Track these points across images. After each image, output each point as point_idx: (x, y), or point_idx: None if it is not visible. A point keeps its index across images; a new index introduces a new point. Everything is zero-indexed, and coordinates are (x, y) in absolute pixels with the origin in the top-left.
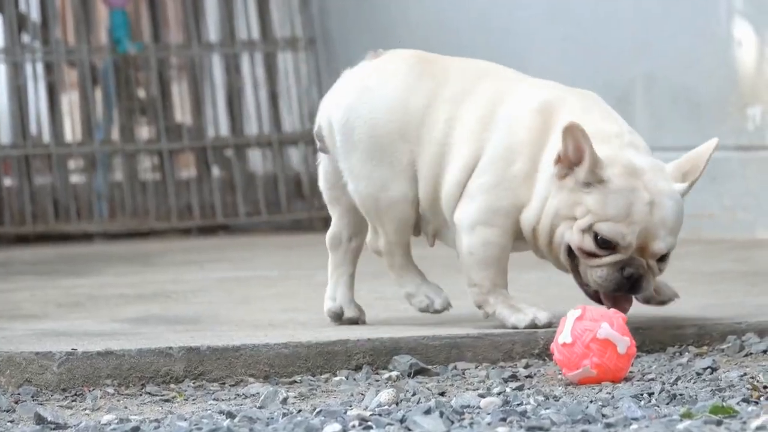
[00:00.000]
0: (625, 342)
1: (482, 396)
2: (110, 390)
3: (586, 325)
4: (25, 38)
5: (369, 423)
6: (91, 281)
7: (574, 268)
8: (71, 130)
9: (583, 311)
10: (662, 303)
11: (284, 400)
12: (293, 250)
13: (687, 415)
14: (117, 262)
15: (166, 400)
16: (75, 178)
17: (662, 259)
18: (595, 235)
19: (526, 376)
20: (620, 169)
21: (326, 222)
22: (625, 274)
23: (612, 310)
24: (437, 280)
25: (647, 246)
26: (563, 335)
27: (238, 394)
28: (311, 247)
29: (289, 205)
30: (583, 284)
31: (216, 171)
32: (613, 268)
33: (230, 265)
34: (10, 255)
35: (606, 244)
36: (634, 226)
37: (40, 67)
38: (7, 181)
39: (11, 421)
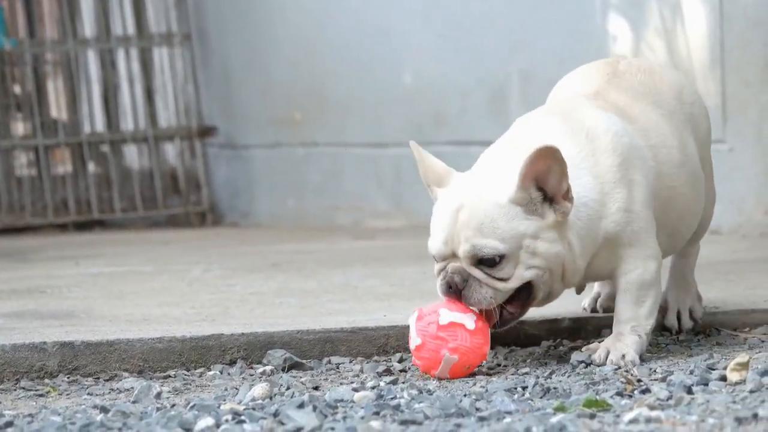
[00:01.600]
0: (470, 317)
1: (356, 390)
2: None
3: (427, 320)
4: None
5: (242, 417)
6: None
7: None
8: None
9: (419, 311)
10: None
11: (158, 395)
12: (168, 246)
13: (560, 409)
14: None
15: (41, 395)
16: None
17: (487, 264)
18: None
19: (400, 371)
20: (451, 186)
21: (202, 217)
22: (446, 279)
23: (445, 298)
24: None
25: (456, 250)
26: (413, 340)
27: (112, 389)
28: (186, 242)
29: (164, 201)
30: None
31: (92, 166)
32: (439, 276)
33: (106, 261)
34: None
35: (434, 257)
36: (439, 233)
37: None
38: None
39: None
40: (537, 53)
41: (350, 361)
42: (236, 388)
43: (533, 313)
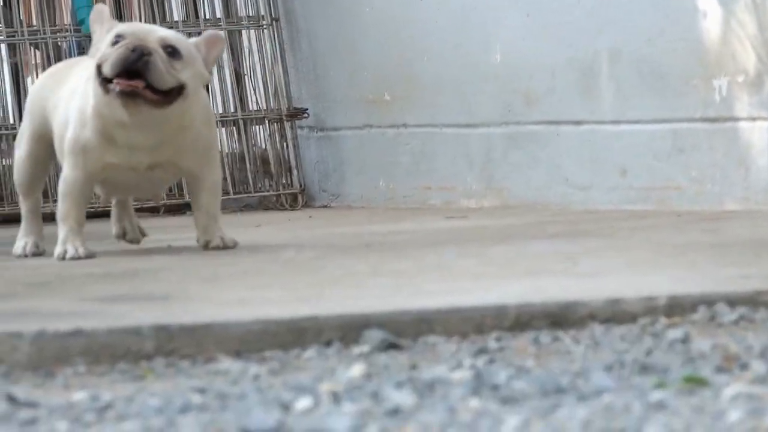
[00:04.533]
0: None
1: (453, 369)
2: (81, 368)
3: None
4: None
5: (341, 397)
6: (58, 261)
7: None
8: None
9: None
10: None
11: (256, 377)
12: (260, 228)
13: (660, 385)
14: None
15: (138, 378)
16: None
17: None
18: (115, 38)
19: (497, 349)
20: None
21: (293, 200)
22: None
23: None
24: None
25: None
26: None
27: (209, 371)
28: (278, 224)
29: (255, 183)
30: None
31: None
32: (124, 48)
33: (196, 243)
34: None
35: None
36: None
37: (3, 49)
38: None
39: None
40: (626, 31)
41: (446, 341)
42: (333, 369)
43: (629, 290)
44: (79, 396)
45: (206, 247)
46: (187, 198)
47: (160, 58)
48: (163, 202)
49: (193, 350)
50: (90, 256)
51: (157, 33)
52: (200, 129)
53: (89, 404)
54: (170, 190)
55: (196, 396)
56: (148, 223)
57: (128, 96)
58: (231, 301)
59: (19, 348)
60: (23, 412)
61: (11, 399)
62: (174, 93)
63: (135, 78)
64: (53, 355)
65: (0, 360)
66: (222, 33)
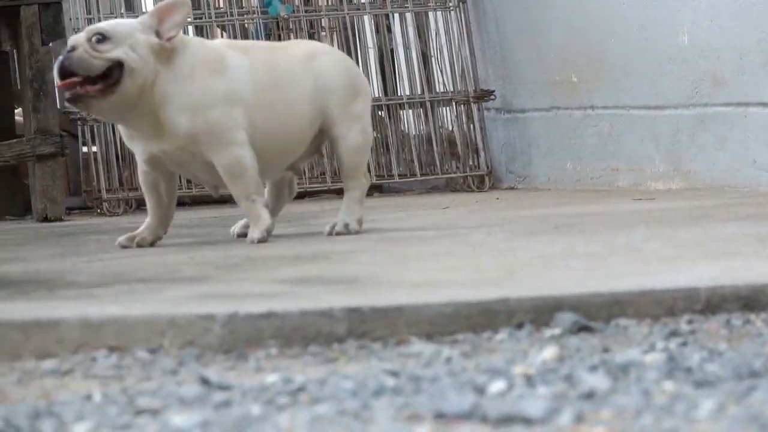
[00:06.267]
0: None
1: (646, 352)
2: (273, 351)
3: None
4: None
5: (534, 380)
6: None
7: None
8: None
9: None
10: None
11: (448, 359)
12: (447, 210)
13: None
14: None
15: (330, 361)
16: None
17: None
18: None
19: (689, 332)
20: None
21: (480, 181)
22: (63, 56)
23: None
24: None
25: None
26: None
27: (401, 354)
28: (465, 206)
29: (442, 165)
30: None
31: None
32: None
33: (386, 225)
34: None
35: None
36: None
37: (191, 31)
38: None
39: (176, 383)
40: None
41: (638, 323)
42: (525, 352)
43: None
44: (271, 378)
45: (238, 236)
46: (373, 180)
47: (83, 48)
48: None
49: (385, 332)
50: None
51: (91, 28)
52: (195, 112)
53: (282, 387)
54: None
55: (389, 379)
56: (334, 205)
57: (75, 99)
58: (421, 283)
59: (211, 330)
60: (217, 394)
61: (204, 381)
62: (114, 73)
63: (70, 77)
64: (245, 337)
65: (192, 342)
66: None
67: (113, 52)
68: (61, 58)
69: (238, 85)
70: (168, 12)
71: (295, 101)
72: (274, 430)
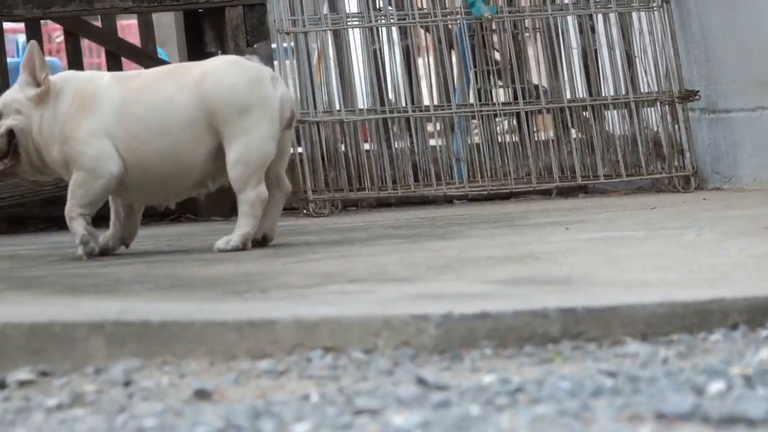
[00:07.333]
0: None
1: None
2: (488, 351)
3: None
4: (379, 3)
5: (753, 381)
6: (457, 244)
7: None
8: (428, 93)
9: None
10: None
11: (665, 360)
12: (655, 211)
13: None
14: (479, 224)
15: (545, 361)
16: (433, 142)
17: None
18: None
19: None
20: None
21: (686, 182)
22: None
23: None
24: None
25: None
26: None
27: (616, 354)
28: (673, 207)
29: (647, 166)
30: None
31: (573, 132)
32: None
33: (595, 226)
34: (371, 219)
35: None
36: None
37: (395, 32)
38: (367, 146)
39: (393, 383)
40: None
41: None
42: (741, 352)
43: None
44: (488, 379)
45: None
46: (578, 181)
47: None
48: (555, 184)
49: (600, 333)
50: None
51: None
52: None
53: (499, 387)
54: (563, 171)
55: (606, 379)
56: (540, 205)
57: (2, 176)
58: (634, 283)
59: (425, 331)
60: (435, 395)
61: (422, 382)
62: (13, 141)
63: None
64: (459, 337)
65: (406, 343)
66: (34, 41)
67: (4, 124)
68: None
69: (104, 119)
70: (29, 60)
71: (171, 127)
72: (495, 431)
